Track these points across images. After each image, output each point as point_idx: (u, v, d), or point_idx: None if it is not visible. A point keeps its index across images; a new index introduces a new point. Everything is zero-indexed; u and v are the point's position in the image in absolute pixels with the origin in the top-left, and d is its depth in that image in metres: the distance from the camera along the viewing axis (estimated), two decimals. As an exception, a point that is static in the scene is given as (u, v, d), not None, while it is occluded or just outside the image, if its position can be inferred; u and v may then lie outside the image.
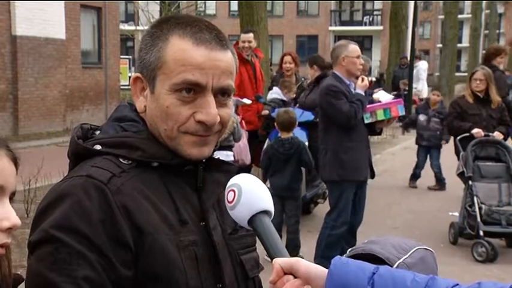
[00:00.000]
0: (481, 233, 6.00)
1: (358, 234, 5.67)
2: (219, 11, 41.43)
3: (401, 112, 5.38)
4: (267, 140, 6.92)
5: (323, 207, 6.72)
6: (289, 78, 7.78)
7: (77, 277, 1.12)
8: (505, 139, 6.77)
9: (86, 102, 16.99)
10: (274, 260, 1.13)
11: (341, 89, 5.08)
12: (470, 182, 6.31)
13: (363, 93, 5.15)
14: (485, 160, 6.45)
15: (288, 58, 7.95)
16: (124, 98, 18.04)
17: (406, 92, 16.37)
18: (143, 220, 1.20)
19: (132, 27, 28.84)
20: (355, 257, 1.37)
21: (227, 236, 1.35)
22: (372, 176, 5.46)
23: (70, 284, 1.12)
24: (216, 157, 1.38)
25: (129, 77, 15.00)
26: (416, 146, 9.76)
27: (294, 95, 7.55)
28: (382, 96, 5.66)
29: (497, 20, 42.71)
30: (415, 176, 9.66)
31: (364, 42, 40.84)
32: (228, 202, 1.21)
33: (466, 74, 37.87)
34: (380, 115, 5.22)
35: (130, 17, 34.68)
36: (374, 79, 16.70)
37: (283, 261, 1.11)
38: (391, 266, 1.28)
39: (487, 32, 46.86)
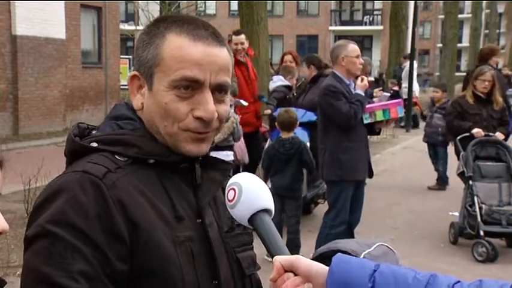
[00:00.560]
0: (482, 232, 6.00)
1: (358, 234, 5.68)
2: (219, 11, 41.42)
3: (401, 113, 5.38)
4: (269, 140, 6.93)
5: (323, 207, 6.71)
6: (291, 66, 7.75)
7: (72, 271, 1.12)
8: (506, 139, 6.77)
9: (86, 102, 16.99)
10: (274, 257, 1.13)
11: (340, 89, 5.08)
12: (470, 182, 6.31)
13: (363, 94, 5.15)
14: (486, 160, 6.45)
15: (288, 57, 7.95)
16: (124, 97, 18.03)
17: (392, 92, 16.31)
18: (138, 215, 1.20)
19: (132, 27, 28.82)
20: (322, 256, 1.40)
21: (224, 234, 1.36)
22: (370, 175, 5.46)
23: (65, 278, 1.12)
24: (213, 156, 1.39)
25: (129, 77, 14.98)
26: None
27: (296, 80, 7.58)
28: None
29: (498, 19, 42.69)
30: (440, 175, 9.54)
31: (364, 42, 40.84)
32: (229, 201, 1.21)
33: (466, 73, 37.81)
34: (379, 116, 5.22)
35: (131, 17, 34.67)
36: (373, 79, 16.65)
37: (283, 258, 1.11)
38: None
39: (487, 31, 46.88)
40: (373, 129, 5.40)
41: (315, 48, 38.48)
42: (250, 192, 1.20)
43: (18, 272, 4.94)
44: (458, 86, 25.03)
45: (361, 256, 1.36)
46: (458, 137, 6.71)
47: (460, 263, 5.87)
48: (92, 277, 1.14)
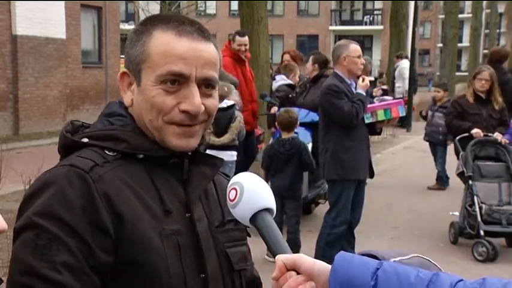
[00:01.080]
0: (482, 232, 6.00)
1: (358, 233, 5.68)
2: (219, 11, 41.43)
3: (402, 113, 5.38)
4: (271, 140, 6.93)
5: (324, 207, 6.72)
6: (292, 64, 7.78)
7: (56, 262, 1.15)
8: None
9: (86, 101, 17.00)
10: (276, 256, 1.13)
11: (342, 88, 5.08)
12: (470, 182, 6.31)
13: (364, 93, 5.15)
14: (485, 160, 6.45)
15: (286, 56, 7.96)
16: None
17: (382, 92, 16.25)
18: (124, 208, 1.22)
19: (133, 27, 28.83)
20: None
21: (214, 229, 1.37)
22: (371, 175, 5.46)
23: (49, 269, 1.15)
24: (203, 151, 1.41)
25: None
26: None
27: (298, 78, 7.66)
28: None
29: (498, 19, 42.71)
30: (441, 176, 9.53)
31: (365, 41, 40.83)
32: (230, 200, 1.22)
33: (466, 73, 37.90)
34: (380, 115, 5.23)
35: (131, 17, 34.68)
36: (373, 79, 16.63)
37: (285, 257, 1.12)
38: None
39: (487, 31, 46.89)
40: (374, 129, 5.40)
41: (315, 48, 38.43)
42: (252, 192, 1.20)
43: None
44: (459, 86, 25.06)
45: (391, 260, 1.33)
46: (458, 137, 6.71)
47: (460, 263, 5.87)
48: (75, 268, 1.16)
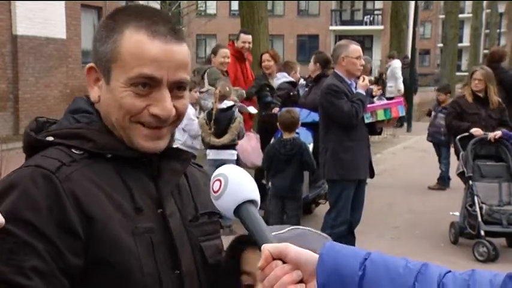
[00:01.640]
0: (482, 232, 6.00)
1: (358, 233, 5.68)
2: (220, 11, 41.40)
3: (402, 113, 5.39)
4: (272, 139, 6.93)
5: (324, 208, 6.72)
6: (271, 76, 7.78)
7: (24, 267, 1.11)
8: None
9: (86, 101, 16.99)
10: (262, 246, 1.11)
11: (342, 88, 5.08)
12: (470, 182, 6.30)
13: (364, 93, 5.15)
14: (485, 159, 6.45)
15: (266, 56, 7.97)
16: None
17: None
18: (93, 208, 1.19)
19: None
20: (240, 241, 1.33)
21: (187, 223, 1.35)
22: (372, 175, 5.46)
23: (17, 275, 1.11)
24: (174, 146, 1.38)
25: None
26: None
27: (299, 75, 7.92)
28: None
29: (498, 19, 42.71)
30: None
31: (365, 41, 40.81)
32: (214, 192, 1.20)
33: (466, 73, 37.83)
34: (380, 115, 5.23)
35: (131, 17, 34.66)
36: (372, 79, 16.63)
37: (272, 246, 1.09)
38: None
39: (487, 31, 46.86)
40: (374, 128, 5.40)
41: (315, 48, 38.36)
42: (236, 184, 1.18)
43: None
44: (459, 86, 25.00)
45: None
46: (458, 137, 6.71)
47: (461, 263, 5.86)
48: (44, 272, 1.13)
